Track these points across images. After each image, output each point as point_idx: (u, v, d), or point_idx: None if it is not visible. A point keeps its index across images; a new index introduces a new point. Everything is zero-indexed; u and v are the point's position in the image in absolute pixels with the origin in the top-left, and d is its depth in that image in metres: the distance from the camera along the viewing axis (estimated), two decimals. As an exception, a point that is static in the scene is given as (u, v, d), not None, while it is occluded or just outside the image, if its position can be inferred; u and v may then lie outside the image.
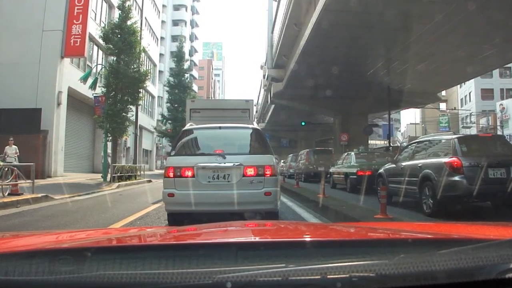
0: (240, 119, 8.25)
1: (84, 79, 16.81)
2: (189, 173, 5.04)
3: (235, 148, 5.60)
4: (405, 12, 13.11)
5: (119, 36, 18.13)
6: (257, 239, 1.29)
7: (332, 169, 15.38)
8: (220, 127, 5.79)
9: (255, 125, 6.45)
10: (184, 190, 4.99)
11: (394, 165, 8.74)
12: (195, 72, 61.88)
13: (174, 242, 1.21)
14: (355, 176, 12.17)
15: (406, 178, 7.68)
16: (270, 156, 5.38)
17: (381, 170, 9.31)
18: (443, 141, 7.45)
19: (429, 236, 1.26)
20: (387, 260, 0.86)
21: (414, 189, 7.34)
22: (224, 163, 5.05)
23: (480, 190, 6.04)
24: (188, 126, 6.20)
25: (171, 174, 5.09)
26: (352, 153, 14.08)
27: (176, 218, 5.27)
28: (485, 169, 6.18)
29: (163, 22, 46.68)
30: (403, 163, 8.25)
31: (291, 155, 26.64)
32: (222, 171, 5.05)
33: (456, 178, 6.33)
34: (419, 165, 7.41)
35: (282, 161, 27.89)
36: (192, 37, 64.26)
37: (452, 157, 6.57)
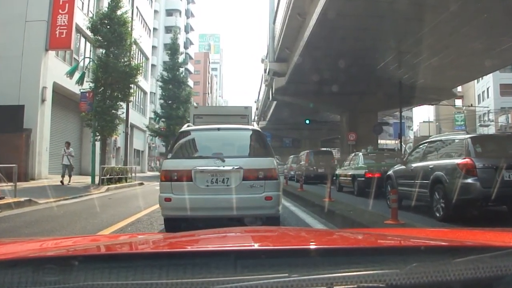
0: (239, 124, 8.69)
1: (70, 74, 16.77)
2: (186, 177, 5.15)
3: (234, 151, 5.73)
4: (417, 1, 13.11)
5: (108, 27, 18.12)
6: (258, 246, 1.29)
7: (338, 171, 15.39)
8: (218, 129, 5.93)
9: (255, 126, 6.77)
10: (181, 194, 5.09)
11: (403, 167, 8.81)
12: (190, 66, 61.88)
13: (168, 250, 1.21)
14: (363, 178, 12.18)
15: (416, 181, 7.70)
16: (271, 159, 5.51)
17: (390, 172, 9.41)
18: (455, 141, 7.52)
19: (444, 243, 1.26)
20: (398, 269, 0.86)
21: (424, 192, 7.38)
22: (223, 167, 5.17)
23: (495, 193, 6.06)
24: (185, 127, 6.34)
25: (168, 178, 5.23)
26: (360, 153, 14.07)
27: (172, 224, 5.43)
28: (501, 171, 6.19)
29: (156, 11, 46.67)
30: (413, 165, 8.32)
31: (292, 156, 27.35)
32: (221, 175, 5.17)
33: (469, 180, 6.36)
34: (430, 166, 7.46)
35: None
36: (188, 28, 64.26)
37: (465, 158, 6.62)
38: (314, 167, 20.74)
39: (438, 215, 6.90)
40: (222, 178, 5.17)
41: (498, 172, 6.19)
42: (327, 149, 38.98)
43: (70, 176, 15.61)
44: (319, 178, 18.70)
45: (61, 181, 15.21)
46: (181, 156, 5.68)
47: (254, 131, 6.13)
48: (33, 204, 9.08)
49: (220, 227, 1.64)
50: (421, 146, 8.94)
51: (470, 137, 7.05)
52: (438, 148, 8.03)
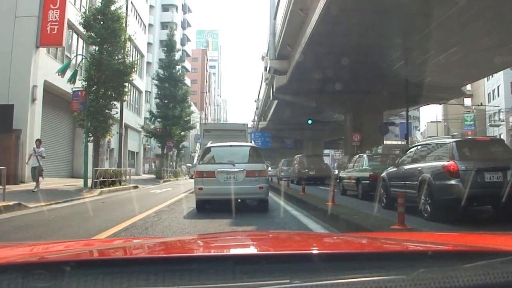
0: (238, 137, 14.27)
1: (62, 72, 16.76)
2: (211, 175, 8.82)
3: (240, 159, 9.21)
4: (424, -5, 13.11)
5: (101, 22, 18.12)
6: (258, 251, 1.29)
7: (342, 174, 15.39)
8: (230, 145, 9.91)
9: (253, 144, 11.07)
10: (208, 185, 8.80)
11: (395, 169, 9.54)
12: (187, 64, 61.92)
13: (164, 255, 1.21)
14: (367, 181, 12.18)
15: (407, 182, 8.56)
16: (263, 164, 9.50)
17: (383, 174, 10.10)
18: (442, 144, 8.29)
19: (452, 248, 1.26)
20: (404, 275, 0.86)
21: (413, 193, 8.01)
22: (234, 169, 8.81)
23: (476, 194, 6.79)
24: (209, 144, 10.15)
25: (200, 175, 9.01)
26: (364, 155, 14.07)
27: (202, 204, 9.00)
28: (482, 173, 6.97)
29: (151, 7, 46.68)
30: (404, 167, 9.07)
31: (283, 160, 34.16)
32: (232, 174, 8.82)
33: (453, 181, 7.08)
34: (418, 168, 8.25)
35: (270, 168, 29.71)
36: (184, 24, 64.31)
37: (449, 161, 7.35)
38: (306, 170, 24.14)
39: (425, 215, 7.53)
40: (233, 176, 8.80)
41: (479, 174, 6.94)
42: (320, 152, 42.43)
43: (37, 180, 13.04)
44: (311, 179, 21.98)
45: (35, 188, 12.71)
46: (208, 162, 9.43)
47: (252, 147, 10.22)
48: (23, 208, 9.07)
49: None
50: (412, 149, 9.69)
51: (454, 141, 7.79)
52: (427, 151, 8.84)
